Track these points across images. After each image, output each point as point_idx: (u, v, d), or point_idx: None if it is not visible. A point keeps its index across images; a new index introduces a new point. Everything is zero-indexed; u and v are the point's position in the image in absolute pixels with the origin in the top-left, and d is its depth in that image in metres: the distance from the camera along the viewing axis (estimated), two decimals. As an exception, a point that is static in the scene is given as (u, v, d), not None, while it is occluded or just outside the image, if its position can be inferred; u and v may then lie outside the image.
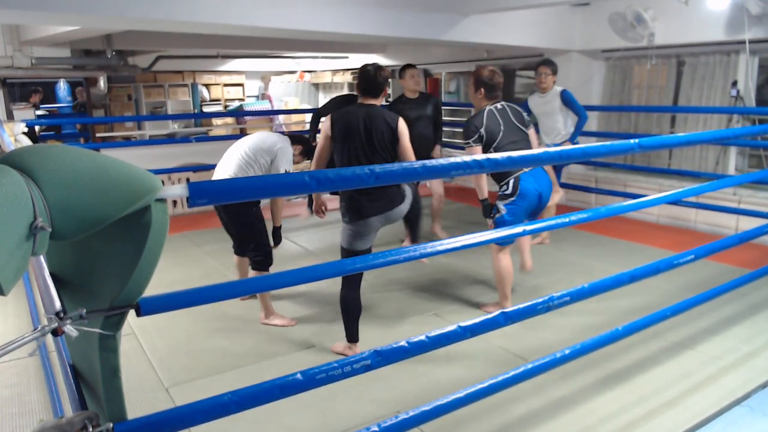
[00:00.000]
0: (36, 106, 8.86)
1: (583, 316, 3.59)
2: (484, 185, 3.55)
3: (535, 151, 2.25)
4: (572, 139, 5.00)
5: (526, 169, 3.49)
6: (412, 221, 4.36)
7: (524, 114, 3.69)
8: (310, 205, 4.98)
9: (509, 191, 3.48)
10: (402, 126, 3.14)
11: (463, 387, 2.13)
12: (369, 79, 3.14)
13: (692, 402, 2.66)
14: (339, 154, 3.13)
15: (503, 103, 3.64)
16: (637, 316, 2.78)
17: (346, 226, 3.12)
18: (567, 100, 4.90)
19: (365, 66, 3.20)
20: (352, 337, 3.20)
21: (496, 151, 3.49)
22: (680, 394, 2.73)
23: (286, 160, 3.59)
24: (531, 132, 3.72)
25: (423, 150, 4.62)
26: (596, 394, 2.74)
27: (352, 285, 3.15)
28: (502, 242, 3.54)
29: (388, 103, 5.10)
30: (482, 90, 3.58)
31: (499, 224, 3.52)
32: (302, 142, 3.90)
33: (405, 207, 3.21)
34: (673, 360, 3.06)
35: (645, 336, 3.15)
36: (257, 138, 3.66)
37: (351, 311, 3.18)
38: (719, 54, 5.72)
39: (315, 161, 3.24)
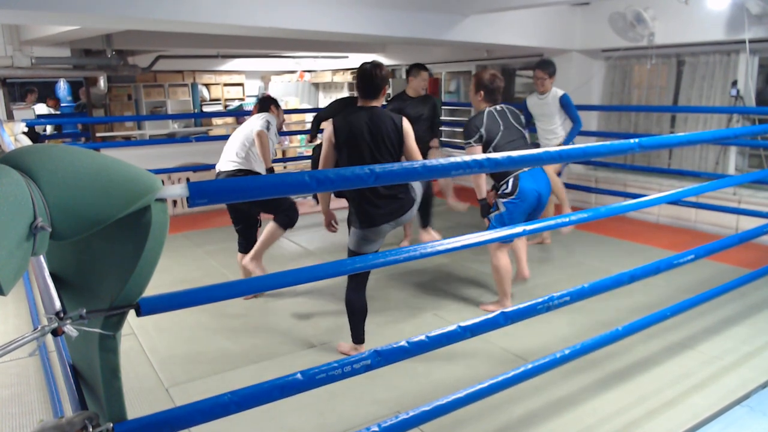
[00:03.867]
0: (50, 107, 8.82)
1: (583, 316, 3.59)
2: (483, 184, 3.57)
3: (535, 150, 2.25)
4: (566, 144, 4.91)
5: (525, 169, 3.50)
6: (422, 207, 4.17)
7: (522, 116, 3.73)
8: (315, 196, 5.01)
9: (509, 190, 3.50)
10: (407, 126, 3.12)
11: (463, 387, 2.13)
12: (367, 79, 3.06)
13: (692, 402, 2.66)
14: (345, 161, 3.08)
15: (502, 105, 3.67)
16: (637, 316, 2.77)
17: (355, 231, 3.10)
18: (565, 104, 4.85)
19: (363, 65, 3.12)
20: (359, 338, 3.20)
21: (494, 150, 3.51)
22: (680, 394, 2.73)
23: (273, 134, 3.98)
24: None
25: (420, 149, 4.61)
26: (596, 394, 2.74)
27: (358, 286, 3.14)
28: (502, 241, 3.53)
29: (387, 102, 5.08)
30: (482, 93, 3.61)
31: (497, 222, 3.54)
32: (273, 102, 4.30)
33: (415, 209, 3.20)
34: (673, 360, 3.06)
35: (645, 336, 3.16)
36: (247, 129, 3.95)
37: (357, 312, 3.17)
38: (719, 54, 5.72)
39: (321, 167, 3.16)
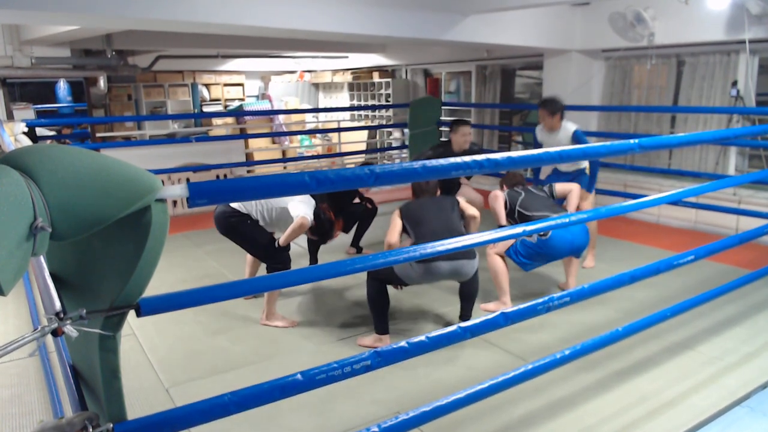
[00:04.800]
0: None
1: (583, 316, 3.59)
2: (502, 213, 3.83)
3: (535, 151, 2.24)
4: (590, 189, 4.55)
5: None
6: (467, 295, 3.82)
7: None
8: (355, 244, 5.19)
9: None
10: (463, 205, 3.52)
11: (463, 387, 2.13)
12: (420, 187, 3.54)
13: (692, 402, 2.66)
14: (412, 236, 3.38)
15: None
16: (637, 316, 2.78)
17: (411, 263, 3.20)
18: (577, 140, 4.45)
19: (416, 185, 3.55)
20: (383, 329, 3.28)
21: (521, 215, 3.78)
22: (680, 394, 2.73)
23: (305, 204, 3.57)
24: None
25: (453, 188, 4.98)
26: (596, 394, 2.74)
27: (379, 278, 3.25)
28: (509, 254, 3.75)
29: (431, 149, 5.14)
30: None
31: (512, 251, 3.74)
32: (321, 225, 3.74)
33: (472, 266, 3.33)
34: (673, 360, 3.06)
35: (645, 336, 3.15)
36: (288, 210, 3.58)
37: (379, 304, 3.27)
38: (719, 54, 5.72)
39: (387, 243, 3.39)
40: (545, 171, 5.28)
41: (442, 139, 7.25)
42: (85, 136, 9.14)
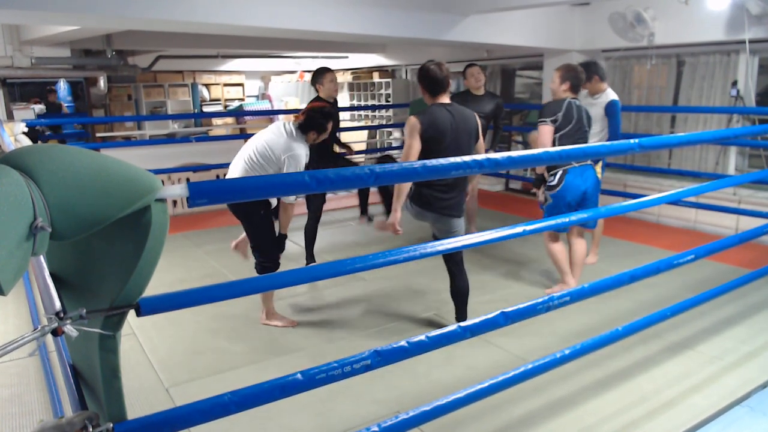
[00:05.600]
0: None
1: (583, 316, 3.59)
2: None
3: (535, 150, 2.25)
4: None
5: (575, 164, 3.71)
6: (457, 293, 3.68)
7: (590, 119, 3.92)
8: (364, 212, 5.03)
9: (554, 182, 3.75)
10: (479, 124, 3.34)
11: (463, 387, 2.13)
12: (433, 77, 3.20)
13: (692, 402, 2.66)
14: (426, 154, 3.08)
15: (579, 102, 3.88)
16: (637, 316, 2.78)
17: (410, 205, 3.30)
18: (610, 111, 4.24)
19: (426, 65, 3.24)
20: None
21: (560, 139, 3.74)
22: (680, 394, 2.73)
23: (295, 166, 3.37)
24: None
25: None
26: (596, 394, 2.74)
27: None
28: (556, 229, 3.84)
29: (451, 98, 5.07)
30: (569, 83, 3.82)
31: (548, 212, 3.81)
32: (314, 126, 3.51)
33: (460, 224, 3.35)
34: (673, 360, 3.06)
35: (645, 336, 3.16)
36: (265, 143, 3.41)
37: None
38: (719, 54, 5.72)
39: (405, 158, 3.18)
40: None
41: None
42: (81, 135, 9.14)
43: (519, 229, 2.43)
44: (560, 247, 3.96)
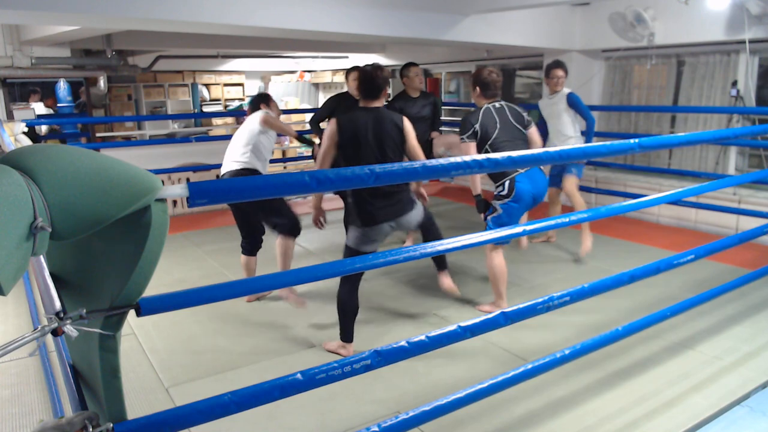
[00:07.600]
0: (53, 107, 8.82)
1: (583, 316, 3.59)
2: (478, 181, 3.62)
3: (535, 151, 2.25)
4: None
5: (521, 170, 3.50)
6: (428, 229, 3.74)
7: (524, 114, 3.69)
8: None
9: (504, 192, 3.51)
10: (408, 125, 3.16)
11: (463, 387, 2.13)
12: (369, 81, 3.10)
13: (692, 402, 2.66)
14: (346, 161, 3.09)
15: (502, 102, 3.66)
16: (637, 316, 2.78)
17: (355, 228, 3.11)
18: (573, 102, 4.72)
19: (364, 68, 3.16)
20: (347, 336, 3.19)
21: (491, 148, 3.52)
22: (680, 394, 2.73)
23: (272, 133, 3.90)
24: (532, 131, 3.70)
25: (423, 148, 4.63)
26: (596, 394, 2.74)
27: (350, 284, 3.14)
28: (498, 242, 3.56)
29: (388, 102, 5.08)
30: (478, 88, 3.63)
31: (494, 224, 3.56)
32: (263, 99, 4.08)
33: (416, 214, 3.22)
34: (673, 360, 3.06)
35: (645, 336, 3.16)
36: (248, 127, 3.87)
37: (348, 310, 3.17)
38: (719, 54, 5.72)
39: (319, 164, 3.16)
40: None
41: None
42: (78, 135, 9.12)
43: (519, 229, 2.44)
44: (503, 264, 3.65)
